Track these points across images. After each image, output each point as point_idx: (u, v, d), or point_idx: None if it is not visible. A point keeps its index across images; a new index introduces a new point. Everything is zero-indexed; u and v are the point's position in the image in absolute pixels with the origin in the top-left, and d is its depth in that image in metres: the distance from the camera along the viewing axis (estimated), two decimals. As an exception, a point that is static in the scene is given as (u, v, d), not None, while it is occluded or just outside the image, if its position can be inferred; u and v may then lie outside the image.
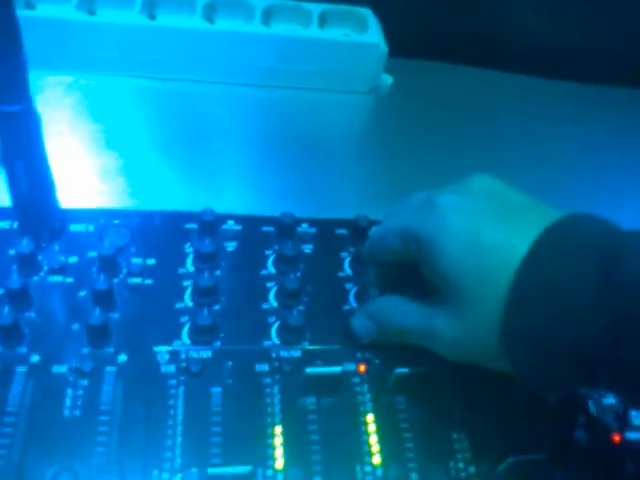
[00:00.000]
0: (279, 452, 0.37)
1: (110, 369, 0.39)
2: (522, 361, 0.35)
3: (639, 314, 0.31)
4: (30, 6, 0.66)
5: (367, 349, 0.43)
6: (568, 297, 0.33)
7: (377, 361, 0.43)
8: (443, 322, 0.38)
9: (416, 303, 0.40)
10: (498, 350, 0.35)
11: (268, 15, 0.69)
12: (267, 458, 0.37)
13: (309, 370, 0.40)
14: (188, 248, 0.47)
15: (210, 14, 0.68)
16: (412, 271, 0.39)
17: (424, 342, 0.39)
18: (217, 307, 0.44)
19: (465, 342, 0.37)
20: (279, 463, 0.37)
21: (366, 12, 0.70)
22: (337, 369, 0.40)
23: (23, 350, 0.39)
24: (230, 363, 0.41)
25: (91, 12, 0.67)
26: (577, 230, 0.35)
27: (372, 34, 0.68)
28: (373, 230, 0.45)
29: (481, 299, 0.36)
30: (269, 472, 0.37)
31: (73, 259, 0.45)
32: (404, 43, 0.69)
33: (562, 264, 0.33)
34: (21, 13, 0.36)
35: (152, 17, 0.67)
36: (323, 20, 0.69)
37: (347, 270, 0.48)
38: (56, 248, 0.45)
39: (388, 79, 0.71)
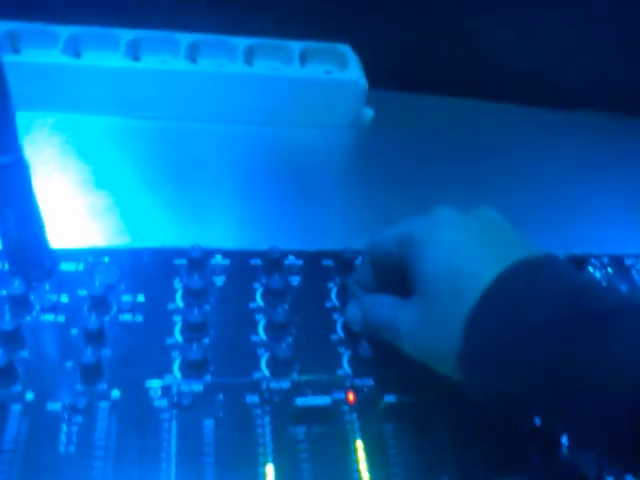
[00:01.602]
0: (271, 482, 0.38)
1: (104, 405, 0.40)
2: (473, 367, 0.37)
3: (601, 339, 0.33)
4: (16, 50, 0.67)
5: (355, 377, 0.44)
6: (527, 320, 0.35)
7: (366, 390, 0.44)
8: (406, 315, 0.40)
9: (390, 300, 0.43)
10: (448, 351, 0.37)
11: (250, 54, 0.70)
12: (260, 488, 0.38)
13: (299, 401, 0.41)
14: (177, 284, 0.48)
15: (193, 54, 0.70)
16: (401, 277, 0.42)
17: (389, 334, 0.42)
18: (207, 341, 0.45)
19: (422, 335, 0.39)
20: (272, 492, 0.38)
21: (345, 49, 0.72)
22: (326, 399, 0.41)
23: (18, 389, 0.40)
24: (221, 396, 0.42)
25: (77, 55, 0.68)
26: (541, 270, 0.37)
27: (352, 70, 0.70)
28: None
29: (446, 303, 0.38)
30: (262, 501, 0.37)
31: (64, 298, 0.45)
32: (384, 75, 0.71)
33: (523, 300, 0.36)
34: (7, 58, 0.37)
35: (137, 59, 0.69)
36: (304, 57, 0.71)
37: (334, 301, 0.49)
38: (47, 288, 0.46)
39: (369, 112, 0.72)
